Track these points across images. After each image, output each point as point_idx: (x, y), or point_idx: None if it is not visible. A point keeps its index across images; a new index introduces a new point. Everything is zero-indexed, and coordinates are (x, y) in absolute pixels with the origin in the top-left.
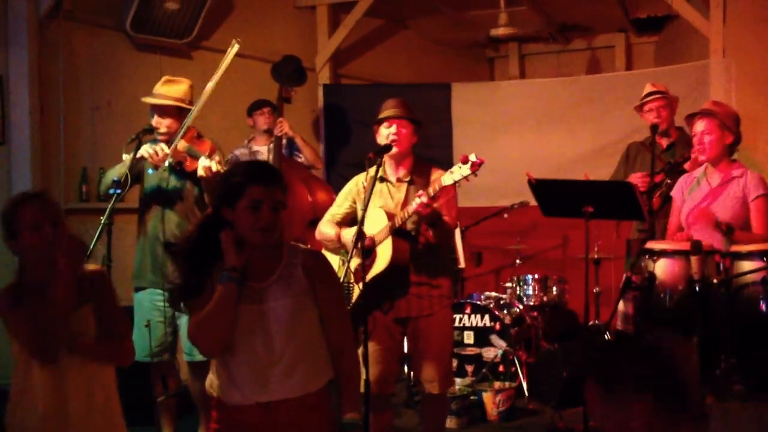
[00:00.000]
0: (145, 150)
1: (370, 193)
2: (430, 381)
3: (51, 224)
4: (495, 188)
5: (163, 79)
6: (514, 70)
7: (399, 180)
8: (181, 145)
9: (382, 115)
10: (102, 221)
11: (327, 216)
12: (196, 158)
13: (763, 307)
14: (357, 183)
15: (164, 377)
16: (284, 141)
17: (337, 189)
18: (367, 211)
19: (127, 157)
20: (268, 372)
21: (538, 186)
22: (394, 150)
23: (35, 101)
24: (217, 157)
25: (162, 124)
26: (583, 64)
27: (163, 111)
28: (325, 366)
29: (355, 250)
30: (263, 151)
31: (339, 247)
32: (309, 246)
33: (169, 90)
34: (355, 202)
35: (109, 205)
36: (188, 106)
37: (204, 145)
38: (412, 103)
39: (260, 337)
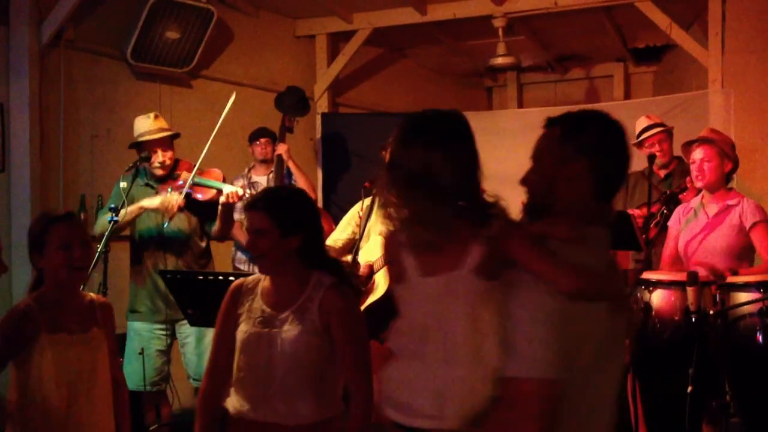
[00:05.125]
0: (160, 203)
1: (366, 223)
2: None
3: (81, 245)
4: None
5: (151, 115)
6: (512, 99)
7: None
8: (197, 179)
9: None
10: (98, 249)
11: (329, 241)
12: (215, 188)
13: (760, 338)
14: (360, 209)
15: (157, 406)
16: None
17: (335, 217)
18: (363, 240)
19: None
20: (268, 393)
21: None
22: None
23: (35, 129)
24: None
25: (166, 156)
26: (582, 94)
27: (165, 144)
28: (329, 403)
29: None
30: (262, 181)
31: None
32: None
33: (162, 123)
34: (358, 227)
35: (106, 233)
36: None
37: (213, 173)
38: None
39: (264, 361)
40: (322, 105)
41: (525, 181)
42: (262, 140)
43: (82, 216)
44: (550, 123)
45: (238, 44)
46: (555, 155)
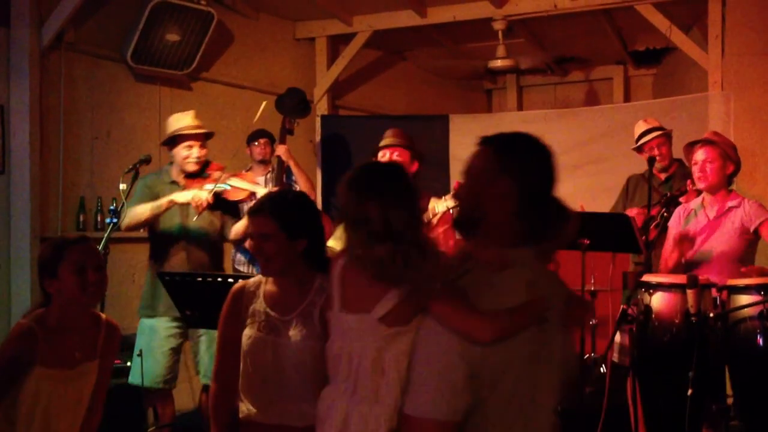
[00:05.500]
0: (192, 197)
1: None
2: None
3: (95, 268)
4: None
5: (190, 113)
6: (512, 101)
7: None
8: (233, 181)
9: (383, 143)
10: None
11: (330, 243)
12: (248, 190)
13: (760, 341)
14: None
15: (157, 406)
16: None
17: (334, 219)
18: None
19: (125, 189)
20: (275, 397)
21: None
22: None
23: (36, 131)
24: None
25: (202, 152)
26: (581, 96)
27: (201, 140)
28: None
29: None
30: (260, 181)
31: None
32: None
33: (199, 122)
34: None
35: (105, 235)
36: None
37: (247, 176)
38: (411, 135)
39: (271, 365)
40: (321, 107)
41: (456, 196)
42: (261, 141)
43: (81, 218)
44: (483, 142)
45: (238, 47)
46: (484, 173)
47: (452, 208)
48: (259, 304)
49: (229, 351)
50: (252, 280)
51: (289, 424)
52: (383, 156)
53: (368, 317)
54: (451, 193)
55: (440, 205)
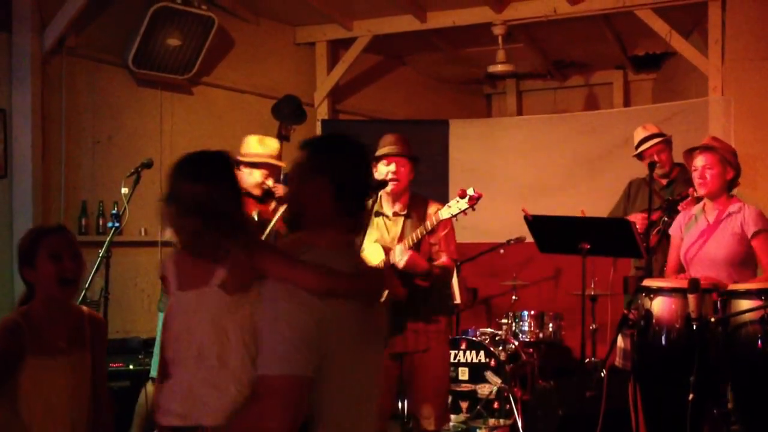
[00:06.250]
0: None
1: (366, 227)
2: (426, 417)
3: (71, 256)
4: (491, 224)
5: (276, 143)
6: (511, 106)
7: (396, 214)
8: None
9: (380, 152)
10: (100, 254)
11: None
12: None
13: (761, 345)
14: None
15: None
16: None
17: None
18: (363, 245)
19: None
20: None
21: (535, 222)
22: (391, 187)
23: (37, 135)
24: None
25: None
26: (581, 101)
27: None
28: None
29: None
30: None
31: None
32: None
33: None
34: None
35: (107, 239)
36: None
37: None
38: (409, 139)
39: None
40: (321, 112)
41: (283, 199)
42: None
43: (83, 221)
44: (301, 146)
45: (239, 51)
46: (302, 174)
47: (457, 215)
48: None
49: None
50: None
51: None
52: (387, 165)
53: (207, 289)
54: (456, 199)
55: (444, 213)
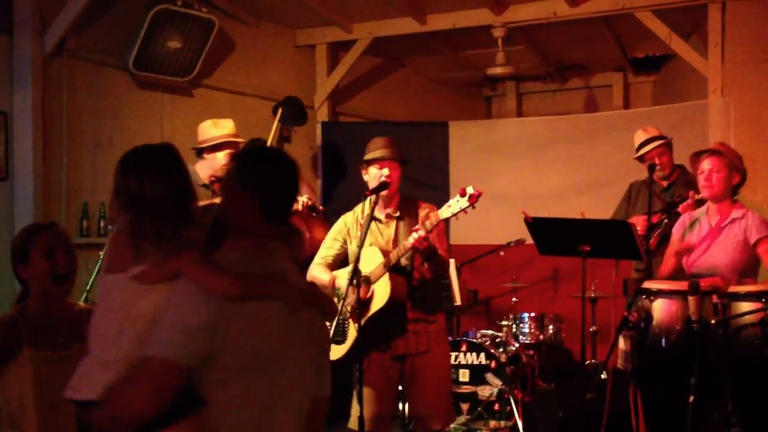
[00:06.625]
0: None
1: (367, 230)
2: (430, 418)
3: (64, 252)
4: (491, 226)
5: (230, 122)
6: (511, 108)
7: (388, 216)
8: None
9: (371, 156)
10: (101, 256)
11: (317, 259)
12: None
13: (761, 348)
14: (345, 222)
15: None
16: None
17: None
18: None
19: None
20: None
21: (535, 224)
22: (384, 190)
23: (38, 138)
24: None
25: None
26: (581, 103)
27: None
28: None
29: (351, 288)
30: None
31: (332, 292)
32: None
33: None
34: (345, 242)
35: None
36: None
37: None
38: (408, 141)
39: None
40: (322, 114)
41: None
42: None
43: (85, 224)
44: (230, 159)
45: (239, 54)
46: (229, 187)
47: (456, 214)
48: None
49: None
50: None
51: None
52: (380, 168)
53: (122, 276)
54: (456, 198)
55: (444, 212)
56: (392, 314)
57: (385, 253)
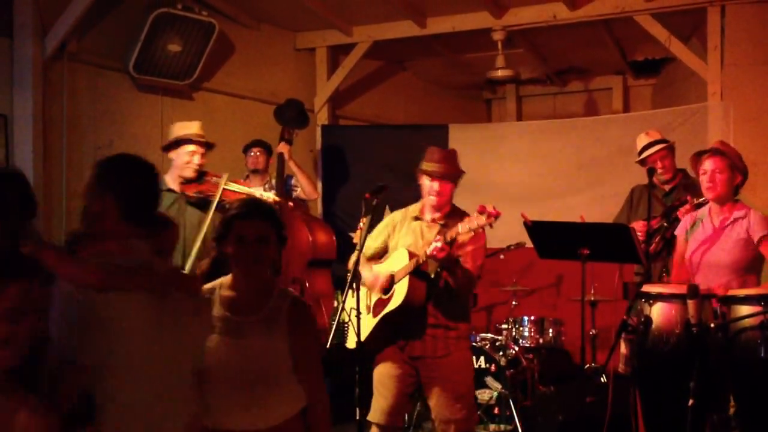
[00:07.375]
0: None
1: (367, 231)
2: (448, 422)
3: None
4: (491, 229)
5: (197, 123)
6: (511, 111)
7: (434, 220)
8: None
9: (426, 168)
10: None
11: (364, 249)
12: (246, 194)
13: (761, 351)
14: (393, 219)
15: None
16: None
17: (334, 227)
18: (364, 248)
19: None
20: (242, 401)
21: (534, 228)
22: (434, 200)
23: (39, 141)
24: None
25: (202, 162)
26: (581, 106)
27: (203, 148)
28: (294, 398)
29: (377, 288)
30: (255, 193)
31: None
32: (307, 285)
33: (202, 132)
34: (388, 237)
35: None
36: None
37: (245, 183)
38: (408, 144)
39: (234, 370)
40: (322, 117)
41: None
42: (255, 150)
43: None
44: (93, 166)
45: (239, 57)
46: (91, 194)
47: (474, 230)
48: (216, 309)
49: None
50: (207, 286)
51: (253, 429)
52: (432, 182)
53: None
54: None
55: (463, 226)
56: (410, 316)
57: (412, 256)
